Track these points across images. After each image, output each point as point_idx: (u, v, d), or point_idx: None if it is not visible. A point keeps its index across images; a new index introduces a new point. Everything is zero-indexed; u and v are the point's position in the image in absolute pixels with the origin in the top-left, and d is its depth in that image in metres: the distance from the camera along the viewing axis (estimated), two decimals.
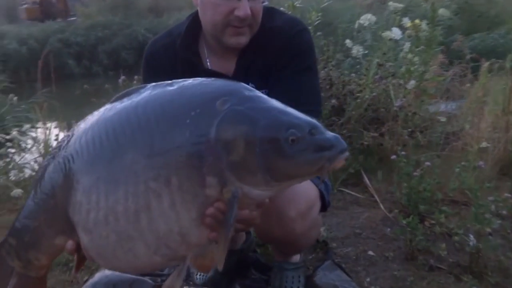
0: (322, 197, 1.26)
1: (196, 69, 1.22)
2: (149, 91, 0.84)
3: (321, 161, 0.76)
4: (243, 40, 1.19)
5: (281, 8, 2.48)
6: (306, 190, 1.17)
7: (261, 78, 1.23)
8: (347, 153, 0.79)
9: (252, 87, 1.22)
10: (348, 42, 3.18)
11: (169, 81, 0.86)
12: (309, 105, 1.19)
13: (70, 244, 0.87)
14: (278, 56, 1.21)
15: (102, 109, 0.88)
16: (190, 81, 0.85)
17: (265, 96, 0.83)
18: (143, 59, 1.31)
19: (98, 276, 1.44)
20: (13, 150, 3.01)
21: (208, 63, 1.27)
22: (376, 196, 2.06)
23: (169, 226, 0.80)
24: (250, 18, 1.15)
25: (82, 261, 0.91)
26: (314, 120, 0.80)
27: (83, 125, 0.88)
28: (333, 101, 2.45)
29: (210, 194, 0.78)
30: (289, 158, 0.76)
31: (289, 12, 2.29)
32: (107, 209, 0.81)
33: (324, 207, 1.28)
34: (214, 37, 1.21)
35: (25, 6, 18.78)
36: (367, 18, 3.09)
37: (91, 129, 0.85)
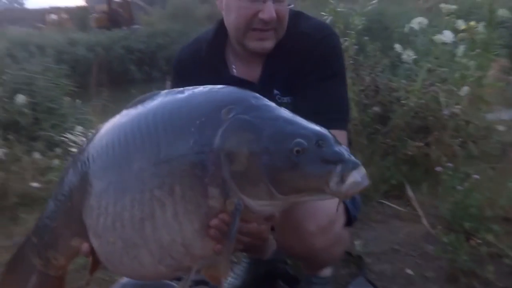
0: (347, 211, 1.19)
1: (221, 76, 1.22)
2: (161, 98, 0.85)
3: (328, 175, 0.71)
4: (268, 44, 1.16)
5: (322, 13, 2.44)
6: (328, 204, 1.11)
7: (286, 85, 1.20)
8: (362, 171, 0.72)
9: (277, 94, 1.21)
10: (397, 46, 3.05)
11: (181, 89, 0.86)
12: (334, 113, 1.15)
13: (85, 246, 0.89)
14: (303, 62, 1.17)
15: (119, 115, 0.89)
16: (200, 88, 0.84)
17: (273, 105, 0.80)
18: (172, 66, 1.33)
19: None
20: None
21: (234, 70, 1.26)
22: (419, 210, 1.94)
23: (172, 237, 0.79)
24: (275, 22, 1.12)
25: (97, 265, 0.93)
26: (324, 131, 0.76)
27: (102, 130, 0.90)
28: (375, 108, 2.34)
29: (213, 205, 0.77)
30: (293, 170, 0.72)
31: (330, 17, 2.23)
32: (115, 215, 0.82)
33: (349, 221, 1.22)
34: (238, 42, 1.19)
35: (94, 15, 20.09)
36: (418, 22, 2.95)
37: (106, 135, 0.87)
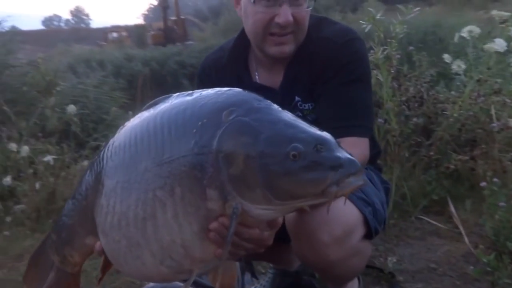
0: (366, 222, 1.13)
1: (243, 83, 1.22)
2: (172, 100, 0.86)
3: (325, 181, 0.69)
4: (287, 49, 1.14)
5: (361, 21, 2.39)
6: (345, 213, 1.06)
7: (308, 91, 1.18)
8: (361, 178, 0.70)
9: (299, 101, 1.19)
10: (446, 57, 2.91)
11: (190, 91, 0.86)
12: (354, 119, 1.12)
13: (98, 245, 0.91)
14: (325, 67, 1.14)
15: (135, 117, 0.91)
16: (207, 91, 0.84)
17: (276, 108, 0.78)
18: (197, 74, 1.35)
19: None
20: None
21: (257, 77, 1.25)
22: (461, 228, 1.81)
23: (172, 237, 0.79)
24: (293, 25, 1.11)
25: (109, 264, 0.95)
26: (324, 135, 0.73)
27: (119, 132, 0.92)
28: (415, 119, 2.24)
29: (212, 208, 0.76)
30: (289, 175, 0.70)
31: (368, 26, 2.17)
32: (121, 213, 0.83)
33: (370, 234, 1.15)
34: (258, 48, 1.19)
35: (151, 32, 21.12)
36: (468, 30, 2.80)
37: (120, 135, 0.89)
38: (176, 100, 0.85)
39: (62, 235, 1.00)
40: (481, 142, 2.15)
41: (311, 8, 1.14)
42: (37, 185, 2.59)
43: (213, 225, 0.76)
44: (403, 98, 2.38)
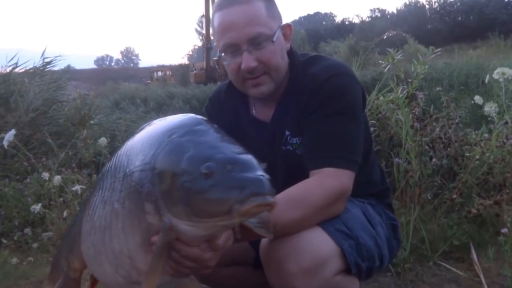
0: (344, 255, 1.07)
1: (240, 116, 1.29)
2: (148, 125, 0.95)
3: (229, 200, 0.70)
4: (264, 89, 1.18)
5: (380, 61, 2.39)
6: (315, 244, 1.03)
7: (296, 126, 1.20)
8: (267, 198, 0.71)
9: (288, 135, 1.21)
10: (477, 98, 2.84)
11: (163, 117, 0.94)
12: (334, 151, 1.10)
13: None
14: (309, 102, 1.16)
15: None
16: (171, 116, 0.92)
17: (212, 131, 0.82)
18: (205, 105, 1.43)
19: None
20: None
21: (254, 111, 1.30)
22: (482, 277, 1.69)
23: (121, 247, 0.85)
24: (262, 67, 1.14)
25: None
26: (241, 157, 0.75)
27: None
28: (435, 160, 2.17)
29: (151, 222, 0.80)
30: (200, 193, 0.73)
31: (383, 64, 2.18)
32: (92, 222, 0.92)
33: (355, 270, 1.09)
34: (242, 91, 1.24)
35: (194, 72, 22.01)
36: (501, 72, 2.74)
37: (115, 153, 0.99)
38: (150, 125, 0.93)
39: (67, 242, 1.11)
40: (510, 187, 2.05)
41: (286, 45, 1.18)
42: (65, 213, 2.70)
43: (154, 238, 0.80)
44: (426, 139, 2.33)
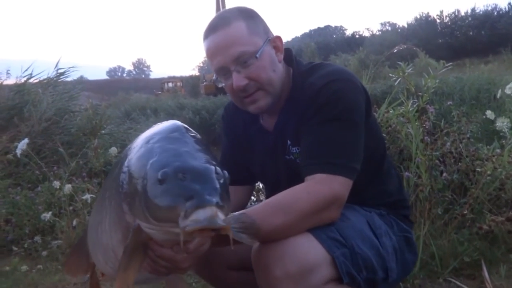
0: (334, 264, 1.05)
1: (248, 125, 1.34)
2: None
3: (175, 208, 0.72)
4: (262, 103, 1.20)
5: (391, 74, 2.39)
6: (303, 250, 1.02)
7: (296, 135, 1.20)
8: (212, 220, 0.69)
9: (290, 144, 1.22)
10: (489, 113, 2.83)
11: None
12: (327, 157, 1.10)
13: None
14: (306, 111, 1.16)
15: None
16: (162, 122, 0.96)
17: (187, 139, 0.85)
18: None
19: None
20: None
21: (261, 120, 1.33)
22: None
23: (107, 241, 0.93)
24: (252, 83, 1.16)
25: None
26: (197, 165, 0.76)
27: None
28: (445, 174, 2.15)
29: (129, 221, 0.84)
30: (152, 198, 0.76)
31: (394, 78, 2.18)
32: (93, 216, 1.04)
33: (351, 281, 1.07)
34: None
35: (204, 83, 22.17)
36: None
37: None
38: (147, 131, 0.98)
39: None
40: None
41: (275, 59, 1.19)
42: (74, 222, 2.72)
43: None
44: (437, 153, 2.31)
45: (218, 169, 0.78)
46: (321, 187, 1.06)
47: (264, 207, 1.05)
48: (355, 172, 1.11)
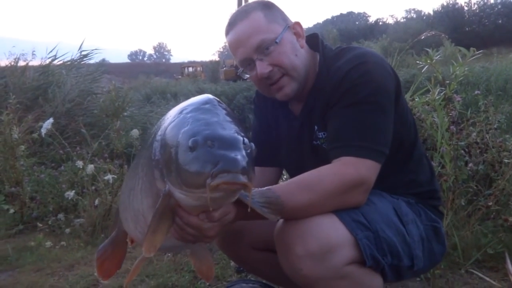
0: (358, 246, 1.04)
1: (278, 109, 1.34)
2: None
3: (203, 173, 0.74)
4: (288, 90, 1.20)
5: (417, 61, 2.33)
6: (325, 229, 1.01)
7: (322, 120, 1.19)
8: (237, 177, 0.73)
9: (317, 129, 1.20)
10: None
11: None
12: (354, 140, 1.08)
13: None
14: (332, 95, 1.14)
15: None
16: (195, 96, 0.98)
17: (218, 110, 0.87)
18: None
19: None
20: None
21: (290, 105, 1.32)
22: None
23: (138, 207, 0.96)
24: (276, 69, 1.17)
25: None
26: (226, 134, 0.79)
27: None
28: (471, 165, 2.09)
29: (160, 187, 0.87)
30: (183, 164, 0.78)
31: (421, 64, 2.12)
32: (126, 182, 1.09)
33: (376, 265, 1.06)
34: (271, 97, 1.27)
35: (224, 68, 22.14)
36: None
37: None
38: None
39: None
40: None
41: (284, 45, 1.17)
42: (96, 201, 2.78)
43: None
44: (462, 143, 2.25)
45: (246, 140, 0.80)
46: (348, 169, 1.05)
47: (289, 184, 1.06)
48: (383, 155, 1.09)
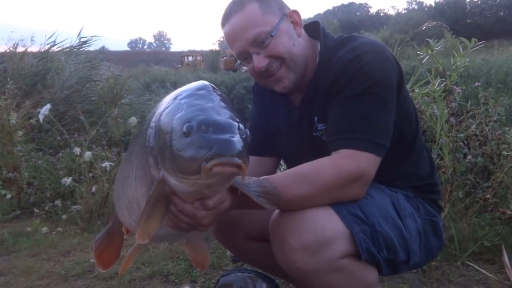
0: (353, 239, 1.02)
1: (277, 99, 1.31)
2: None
3: (198, 158, 0.73)
4: (286, 82, 1.18)
5: (418, 52, 2.30)
6: (321, 222, 1.00)
7: (322, 111, 1.16)
8: (232, 159, 0.72)
9: (316, 120, 1.19)
10: None
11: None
12: (354, 132, 1.05)
13: None
14: (333, 85, 1.11)
15: None
16: (191, 83, 0.96)
17: (212, 96, 0.86)
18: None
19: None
20: None
21: (290, 95, 1.29)
22: None
23: (132, 194, 0.95)
24: (274, 61, 1.14)
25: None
26: (220, 119, 0.78)
27: None
28: (469, 157, 2.08)
29: (154, 174, 0.86)
30: (178, 150, 0.77)
31: (422, 55, 2.10)
32: (120, 170, 1.05)
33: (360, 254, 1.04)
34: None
35: (224, 58, 22.03)
36: None
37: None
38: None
39: None
40: None
41: (279, 36, 1.14)
42: (93, 188, 2.77)
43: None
44: (461, 135, 2.24)
45: (241, 126, 0.79)
46: (347, 162, 1.03)
47: (287, 175, 1.04)
48: (383, 149, 1.07)
